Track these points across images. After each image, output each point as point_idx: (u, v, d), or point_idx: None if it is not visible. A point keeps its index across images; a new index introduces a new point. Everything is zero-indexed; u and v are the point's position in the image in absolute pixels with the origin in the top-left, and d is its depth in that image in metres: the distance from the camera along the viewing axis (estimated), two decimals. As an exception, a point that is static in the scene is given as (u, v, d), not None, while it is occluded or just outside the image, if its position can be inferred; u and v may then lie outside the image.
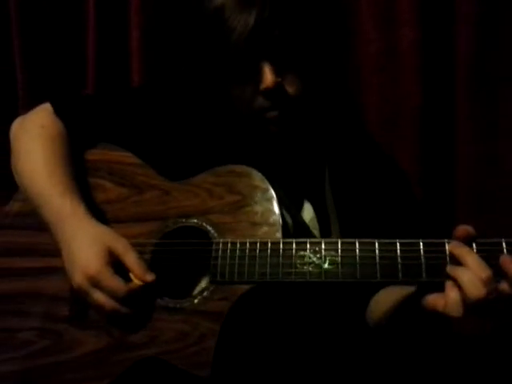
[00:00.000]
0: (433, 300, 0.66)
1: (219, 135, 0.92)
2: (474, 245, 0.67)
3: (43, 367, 0.82)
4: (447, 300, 0.64)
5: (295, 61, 0.82)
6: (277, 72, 0.80)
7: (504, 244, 0.66)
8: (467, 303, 0.62)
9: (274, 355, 0.80)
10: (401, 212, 0.91)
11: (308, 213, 0.89)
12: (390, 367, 0.88)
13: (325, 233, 0.87)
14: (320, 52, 0.88)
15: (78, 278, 0.76)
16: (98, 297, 0.75)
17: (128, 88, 1.19)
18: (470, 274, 0.63)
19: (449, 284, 0.65)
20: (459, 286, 0.63)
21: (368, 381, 0.85)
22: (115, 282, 0.75)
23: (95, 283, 0.75)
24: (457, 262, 0.65)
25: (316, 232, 0.88)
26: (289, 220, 0.82)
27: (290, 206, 0.85)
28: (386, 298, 0.81)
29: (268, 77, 0.79)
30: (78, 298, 0.82)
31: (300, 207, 0.88)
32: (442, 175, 1.03)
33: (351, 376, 0.83)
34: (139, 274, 0.76)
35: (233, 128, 0.91)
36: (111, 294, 0.75)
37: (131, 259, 0.76)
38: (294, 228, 0.82)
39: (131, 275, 0.76)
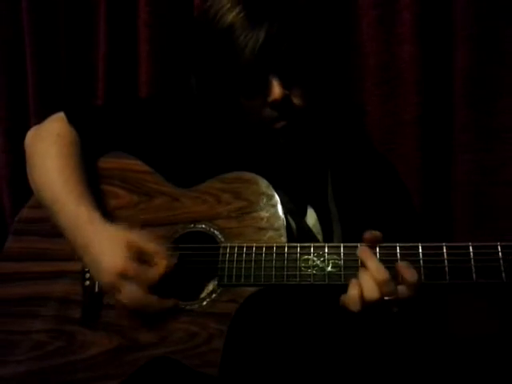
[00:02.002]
0: (343, 295, 0.73)
1: (226, 144, 0.95)
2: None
3: (57, 367, 0.85)
4: (348, 295, 0.72)
5: (301, 74, 0.85)
6: (284, 85, 0.83)
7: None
8: (364, 302, 0.71)
9: (279, 355, 0.82)
10: (400, 218, 0.93)
11: (311, 218, 0.91)
12: (392, 368, 0.90)
13: (328, 237, 0.90)
14: (325, 65, 0.92)
15: (108, 278, 0.78)
16: (132, 288, 0.77)
17: (138, 98, 1.22)
18: (368, 276, 0.71)
19: (353, 282, 0.73)
20: (360, 286, 0.71)
21: (372, 380, 0.87)
22: (142, 271, 0.77)
23: (125, 277, 0.77)
24: None
25: (319, 236, 0.90)
26: (293, 225, 0.85)
27: (294, 211, 0.87)
28: None
29: (276, 90, 0.82)
30: (90, 300, 0.85)
31: (304, 213, 0.91)
32: (441, 183, 1.06)
33: (356, 376, 0.85)
34: (164, 256, 0.78)
35: (239, 137, 0.93)
36: (143, 282, 0.77)
37: (152, 246, 0.79)
38: (298, 233, 0.85)
39: (156, 260, 0.78)
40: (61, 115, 0.96)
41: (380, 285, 0.70)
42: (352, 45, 1.08)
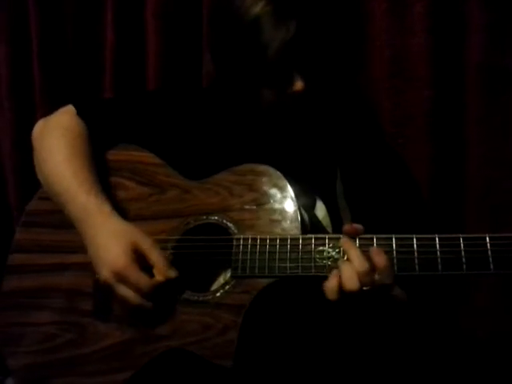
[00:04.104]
0: (324, 282, 0.74)
1: (237, 136, 0.94)
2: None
3: (68, 360, 0.85)
4: (326, 285, 0.74)
5: (322, 70, 0.86)
6: (305, 79, 0.83)
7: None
8: (343, 291, 0.72)
9: (293, 347, 0.82)
10: (411, 210, 0.93)
11: (321, 211, 0.91)
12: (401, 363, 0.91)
13: (337, 231, 0.87)
14: (341, 60, 0.92)
15: (106, 273, 0.78)
16: (124, 291, 0.78)
17: (147, 90, 1.21)
18: (350, 267, 0.72)
19: (334, 272, 0.74)
20: (339, 276, 0.72)
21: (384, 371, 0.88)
22: (141, 278, 0.77)
23: (122, 278, 0.77)
24: None
25: (329, 229, 0.89)
26: (305, 217, 0.85)
27: (305, 203, 0.87)
28: None
29: (298, 84, 0.83)
30: (102, 292, 0.84)
31: (313, 205, 0.91)
32: (453, 177, 1.05)
33: (371, 368, 0.85)
34: (163, 271, 0.78)
35: (251, 128, 0.93)
36: (136, 289, 0.77)
37: (155, 256, 0.79)
38: (310, 225, 0.84)
39: (155, 271, 0.79)
40: (69, 108, 0.96)
41: (360, 275, 0.71)
42: (363, 37, 1.07)
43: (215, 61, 0.94)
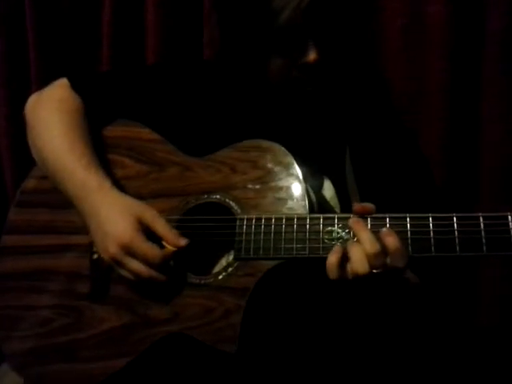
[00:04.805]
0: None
1: (240, 110, 0.90)
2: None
3: (63, 345, 0.82)
4: (328, 260, 0.69)
5: (336, 41, 0.82)
6: (319, 50, 0.79)
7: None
8: (352, 274, 0.68)
9: (299, 332, 0.79)
10: (423, 190, 0.90)
11: (328, 190, 0.87)
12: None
13: (345, 211, 0.83)
14: (355, 31, 0.88)
15: (112, 249, 0.75)
16: (134, 265, 0.74)
17: (145, 64, 1.17)
18: (360, 249, 0.68)
19: (335, 247, 0.70)
20: (349, 259, 0.68)
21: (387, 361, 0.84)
22: (150, 249, 0.74)
23: (130, 251, 0.74)
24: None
25: (337, 210, 0.86)
26: (313, 196, 0.81)
27: (312, 183, 0.83)
28: None
29: (311, 54, 0.79)
30: (99, 273, 0.82)
31: (321, 185, 0.87)
32: (467, 154, 1.02)
33: (378, 354, 0.82)
34: (172, 239, 0.75)
35: (255, 102, 0.89)
36: (147, 261, 0.74)
37: (162, 226, 0.76)
38: (317, 205, 0.81)
39: (164, 242, 0.76)
40: (64, 81, 0.92)
41: (370, 257, 0.67)
42: (374, 6, 1.02)
43: (221, 25, 0.89)
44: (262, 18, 0.78)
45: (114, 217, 0.76)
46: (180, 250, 0.75)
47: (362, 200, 0.85)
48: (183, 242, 0.75)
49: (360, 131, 0.92)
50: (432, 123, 1.01)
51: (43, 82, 0.98)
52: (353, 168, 0.88)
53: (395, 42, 1.01)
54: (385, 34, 1.02)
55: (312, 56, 0.79)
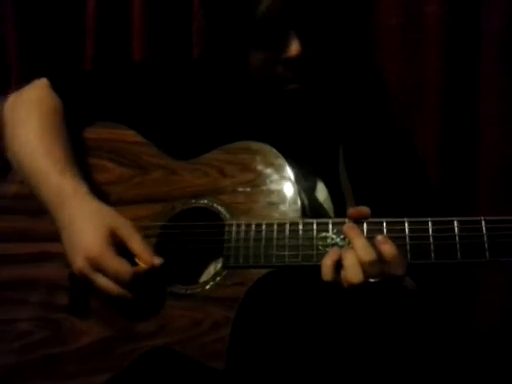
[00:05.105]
0: None
1: (228, 111, 0.88)
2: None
3: (42, 359, 0.78)
4: (323, 262, 0.66)
5: (321, 35, 0.79)
6: (302, 44, 0.76)
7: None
8: (347, 283, 0.65)
9: (292, 345, 0.76)
10: (419, 192, 0.88)
11: (322, 193, 0.85)
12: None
13: (340, 214, 0.82)
14: (345, 26, 0.86)
15: (79, 262, 0.71)
16: (102, 281, 0.71)
17: (129, 62, 1.14)
18: (354, 257, 0.65)
19: (333, 249, 0.67)
20: (342, 267, 0.65)
21: (382, 367, 0.82)
22: (120, 265, 0.70)
23: (98, 266, 0.71)
24: None
25: (331, 214, 0.83)
26: (305, 200, 0.78)
27: (304, 185, 0.81)
28: None
29: (294, 47, 0.76)
30: (77, 285, 0.78)
31: (313, 187, 0.85)
32: (465, 156, 0.99)
33: (371, 364, 0.80)
34: (146, 258, 0.71)
35: (244, 102, 0.86)
36: (116, 278, 0.70)
37: (136, 242, 0.72)
38: (310, 209, 0.78)
39: (137, 260, 0.72)
40: (43, 81, 0.89)
41: (365, 265, 0.64)
42: (371, 4, 1.00)
43: (207, 19, 0.88)
44: (241, 7, 0.75)
45: (85, 227, 0.73)
46: (154, 270, 0.71)
47: (357, 202, 0.83)
48: (157, 261, 0.71)
49: (354, 130, 0.89)
50: (428, 123, 0.98)
51: (24, 82, 0.94)
52: (346, 168, 0.85)
53: (391, 41, 0.99)
54: (380, 33, 1.00)
55: (294, 49, 0.75)
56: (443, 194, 0.97)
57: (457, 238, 0.64)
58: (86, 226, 0.73)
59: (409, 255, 0.65)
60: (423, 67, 0.98)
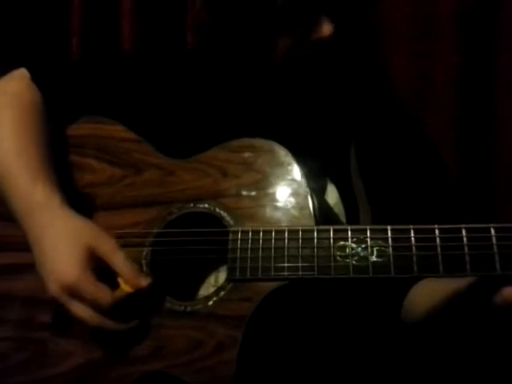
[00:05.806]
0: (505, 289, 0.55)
1: (229, 104, 0.82)
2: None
3: (23, 385, 0.71)
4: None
5: (350, 15, 0.74)
6: (335, 23, 0.72)
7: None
8: None
9: (306, 367, 0.70)
10: (435, 192, 0.83)
11: (332, 196, 0.80)
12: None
13: (352, 218, 0.79)
14: (358, 18, 0.81)
15: (54, 289, 0.65)
16: (78, 310, 0.65)
17: (119, 53, 1.09)
18: None
19: None
20: None
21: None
22: (99, 292, 0.64)
23: (74, 293, 0.64)
24: None
25: (342, 218, 0.79)
26: (316, 204, 0.72)
27: (314, 188, 0.75)
28: (432, 291, 0.70)
29: (326, 28, 0.71)
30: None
31: (323, 189, 0.80)
32: (480, 156, 0.95)
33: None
34: (130, 279, 0.64)
35: (245, 94, 0.81)
36: (94, 306, 0.64)
37: (119, 262, 0.66)
38: (320, 213, 0.72)
39: (119, 280, 0.65)
40: (22, 71, 0.83)
41: None
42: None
43: (212, 7, 0.80)
44: None
45: (58, 245, 0.66)
46: (140, 292, 0.64)
47: (371, 205, 0.78)
48: (145, 282, 0.65)
49: (366, 125, 0.85)
50: (442, 120, 0.95)
51: (2, 73, 0.87)
52: (359, 167, 0.81)
53: (402, 33, 0.96)
54: (390, 25, 0.97)
55: (326, 30, 0.70)
56: (462, 194, 0.92)
57: (465, 248, 0.56)
58: (59, 243, 0.66)
59: (415, 267, 0.57)
60: (435, 61, 0.95)
